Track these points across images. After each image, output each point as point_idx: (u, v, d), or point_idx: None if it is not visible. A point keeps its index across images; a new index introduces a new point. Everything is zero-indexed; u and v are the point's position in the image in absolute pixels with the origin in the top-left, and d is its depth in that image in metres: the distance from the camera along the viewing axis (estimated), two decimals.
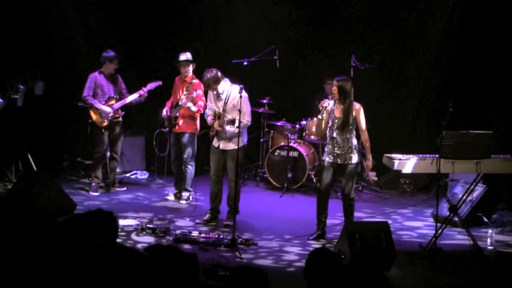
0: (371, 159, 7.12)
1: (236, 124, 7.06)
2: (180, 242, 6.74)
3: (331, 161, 7.02)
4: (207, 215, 7.70)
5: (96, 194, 8.84)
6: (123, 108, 8.93)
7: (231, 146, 7.46)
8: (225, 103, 7.47)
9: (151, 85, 8.84)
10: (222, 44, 10.59)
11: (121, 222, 7.19)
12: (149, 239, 6.91)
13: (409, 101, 10.33)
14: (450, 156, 6.85)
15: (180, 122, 8.45)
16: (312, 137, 9.63)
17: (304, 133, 9.75)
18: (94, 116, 8.87)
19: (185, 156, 8.48)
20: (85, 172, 9.79)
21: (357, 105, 6.98)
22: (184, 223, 7.64)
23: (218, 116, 7.51)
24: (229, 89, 7.49)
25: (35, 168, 9.12)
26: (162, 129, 8.78)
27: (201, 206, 8.29)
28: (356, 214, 7.50)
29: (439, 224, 6.94)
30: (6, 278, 3.32)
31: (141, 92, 8.81)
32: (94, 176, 8.93)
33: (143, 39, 10.78)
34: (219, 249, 6.61)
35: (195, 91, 8.24)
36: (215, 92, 7.52)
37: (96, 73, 8.83)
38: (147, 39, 10.79)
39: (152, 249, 3.49)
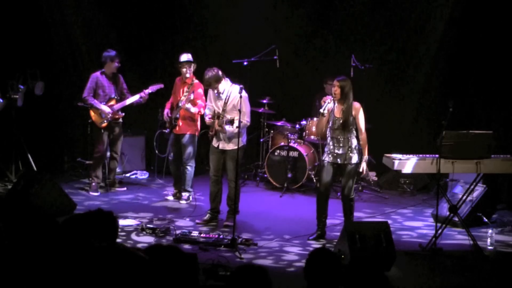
0: (366, 159, 7.05)
1: (236, 124, 7.06)
2: (180, 242, 6.74)
3: (331, 161, 7.02)
4: (207, 215, 7.70)
5: (96, 194, 8.84)
6: (123, 109, 8.93)
7: (231, 146, 7.46)
8: (225, 103, 7.47)
9: (152, 88, 8.83)
10: (222, 44, 10.58)
11: (121, 222, 7.19)
12: (149, 239, 6.91)
13: (409, 101, 10.33)
14: (450, 156, 6.85)
15: (181, 123, 8.46)
16: (312, 137, 9.64)
17: (304, 133, 9.76)
18: (93, 116, 8.87)
19: (185, 156, 8.48)
20: (85, 172, 9.79)
21: (356, 105, 6.98)
22: (184, 223, 7.64)
23: (217, 116, 7.51)
24: (229, 89, 7.49)
25: (35, 168, 9.13)
26: (163, 130, 8.78)
27: (201, 206, 8.29)
28: (356, 214, 7.50)
29: (439, 224, 6.94)
30: (6, 278, 3.32)
31: (142, 94, 8.80)
32: (95, 175, 8.93)
33: (143, 39, 10.78)
34: (219, 249, 6.61)
35: (193, 92, 8.24)
36: (215, 91, 7.52)
37: (98, 73, 8.83)
38: (147, 39, 10.79)
39: (152, 249, 3.49)
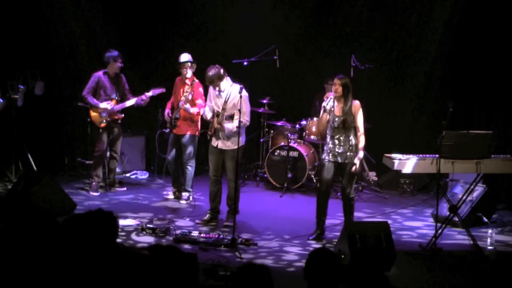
0: (360, 158, 7.00)
1: (235, 121, 7.06)
2: (180, 242, 6.74)
3: (331, 160, 7.03)
4: (207, 215, 7.70)
5: (96, 194, 8.84)
6: (123, 110, 8.92)
7: (230, 146, 7.46)
8: (225, 102, 7.47)
9: (154, 91, 8.81)
10: (222, 44, 10.58)
11: (121, 222, 7.19)
12: (149, 239, 6.91)
13: (409, 101, 10.33)
14: (450, 156, 6.85)
15: (181, 123, 8.46)
16: (312, 137, 9.64)
17: (304, 133, 9.76)
18: (93, 116, 8.86)
19: (185, 156, 8.49)
20: (86, 172, 9.79)
21: (356, 103, 6.99)
22: (184, 223, 7.64)
23: (216, 115, 7.50)
24: (230, 88, 7.48)
25: (35, 168, 9.13)
26: (163, 130, 8.78)
27: (201, 206, 8.29)
28: (356, 214, 7.50)
29: (439, 224, 6.94)
30: (6, 278, 3.33)
31: (143, 97, 8.79)
32: (95, 175, 8.93)
33: (143, 39, 10.77)
34: (219, 249, 6.61)
35: (192, 93, 8.23)
36: (216, 89, 7.51)
37: (101, 73, 8.81)
38: (147, 39, 10.78)
39: (152, 249, 3.49)
